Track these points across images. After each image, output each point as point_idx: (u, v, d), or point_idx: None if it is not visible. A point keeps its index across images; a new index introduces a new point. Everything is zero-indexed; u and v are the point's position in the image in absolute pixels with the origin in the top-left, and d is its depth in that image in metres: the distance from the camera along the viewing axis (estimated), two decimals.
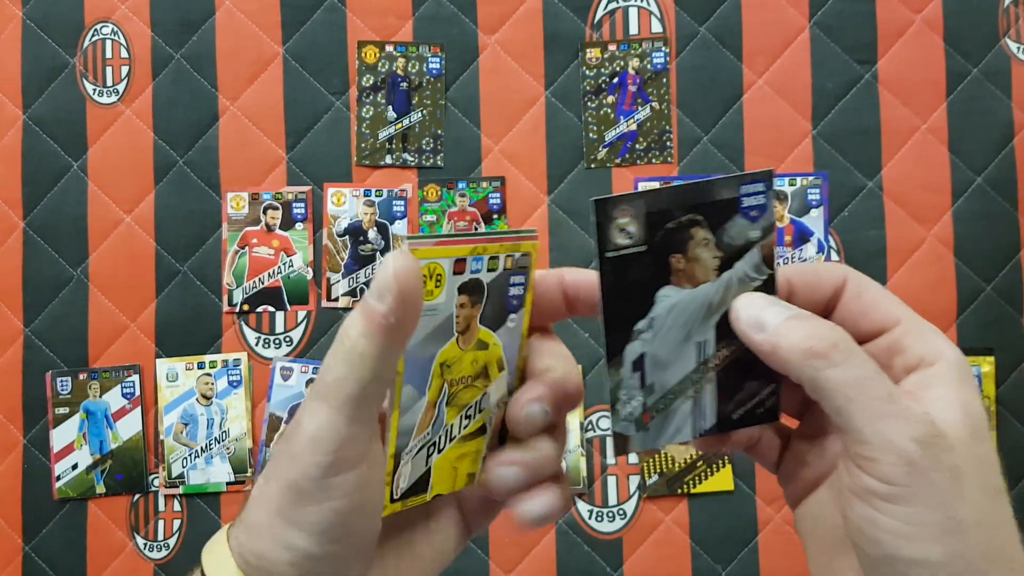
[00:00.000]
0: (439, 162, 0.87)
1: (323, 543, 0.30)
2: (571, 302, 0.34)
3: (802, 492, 0.35)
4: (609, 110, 0.87)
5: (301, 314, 0.87)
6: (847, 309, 0.33)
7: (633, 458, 0.85)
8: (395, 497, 0.33)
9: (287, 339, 0.87)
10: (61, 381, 0.87)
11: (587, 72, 0.87)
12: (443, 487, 0.35)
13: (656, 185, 0.86)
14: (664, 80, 0.87)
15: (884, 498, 0.29)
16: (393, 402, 0.31)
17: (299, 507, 0.30)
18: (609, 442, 0.85)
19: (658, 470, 0.84)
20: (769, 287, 0.33)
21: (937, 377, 0.30)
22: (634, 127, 0.87)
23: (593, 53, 0.87)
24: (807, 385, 0.30)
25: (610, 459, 0.85)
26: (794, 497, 0.35)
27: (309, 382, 0.86)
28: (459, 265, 0.31)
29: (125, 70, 0.88)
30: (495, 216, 0.87)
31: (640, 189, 0.33)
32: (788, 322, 0.31)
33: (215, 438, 0.86)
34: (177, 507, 0.86)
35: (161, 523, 0.86)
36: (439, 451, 0.34)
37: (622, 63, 0.87)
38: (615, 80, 0.87)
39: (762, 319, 0.31)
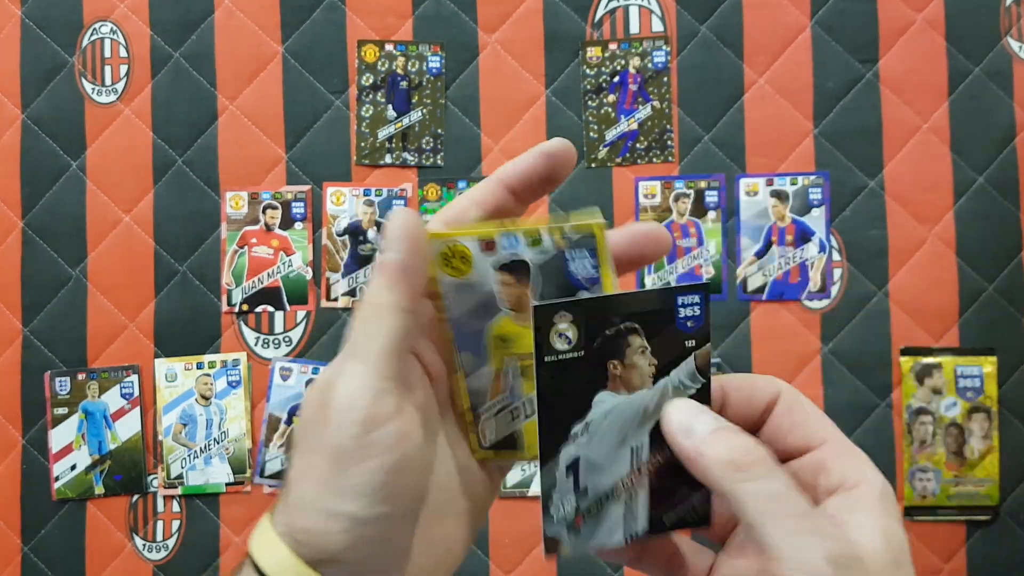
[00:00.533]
0: (439, 161, 0.87)
1: (371, 505, 0.30)
2: (518, 192, 0.36)
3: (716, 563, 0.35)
4: (610, 109, 0.86)
5: (300, 314, 0.87)
6: (777, 423, 0.34)
7: None
8: (484, 444, 0.35)
9: (286, 339, 0.86)
10: (60, 381, 0.86)
11: (588, 71, 0.87)
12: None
13: (657, 185, 0.86)
14: (665, 79, 0.86)
15: None
16: (453, 365, 0.35)
17: (343, 471, 0.30)
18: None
19: None
20: (703, 396, 0.33)
21: (859, 501, 0.31)
22: (635, 126, 0.86)
23: (594, 52, 0.87)
24: (726, 497, 0.31)
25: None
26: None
27: (309, 382, 0.86)
28: (488, 245, 0.33)
29: (124, 69, 0.88)
30: None
31: (577, 297, 0.33)
32: (715, 433, 0.32)
33: (214, 438, 0.86)
34: (176, 508, 0.86)
35: (160, 524, 0.86)
36: (525, 416, 0.35)
37: (623, 62, 0.87)
38: (616, 79, 0.87)
39: (691, 426, 0.32)
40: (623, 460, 0.34)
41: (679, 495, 0.34)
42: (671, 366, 0.33)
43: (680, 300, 0.33)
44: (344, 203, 0.87)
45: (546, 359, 0.32)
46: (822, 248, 0.85)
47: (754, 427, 0.34)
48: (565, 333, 0.32)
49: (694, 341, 0.33)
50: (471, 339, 0.35)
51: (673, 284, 0.33)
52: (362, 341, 0.31)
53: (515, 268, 0.34)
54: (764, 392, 0.34)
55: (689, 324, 0.33)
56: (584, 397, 0.33)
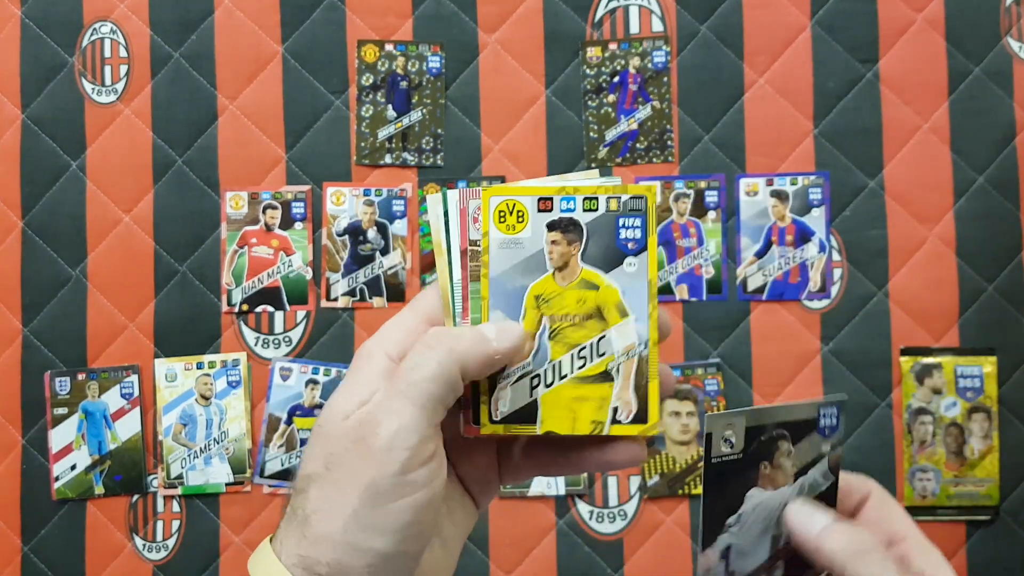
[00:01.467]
0: (439, 161, 0.87)
1: (399, 542, 0.31)
2: None
3: None
4: (610, 109, 0.86)
5: (300, 314, 0.87)
6: (868, 517, 0.39)
7: None
8: (494, 418, 0.36)
9: (286, 339, 0.86)
10: (60, 381, 0.86)
11: (588, 71, 0.87)
12: (559, 426, 0.36)
13: (654, 184, 0.86)
14: (665, 79, 0.86)
15: None
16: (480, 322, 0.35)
17: (377, 507, 0.31)
18: None
19: (659, 471, 0.84)
20: (833, 491, 0.39)
21: (912, 550, 0.36)
22: (635, 126, 0.86)
23: (594, 52, 0.87)
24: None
25: None
26: None
27: (309, 382, 0.86)
28: (545, 203, 0.35)
29: (124, 69, 0.88)
30: None
31: (742, 408, 0.37)
32: (832, 526, 0.36)
33: (214, 438, 0.86)
34: (176, 508, 0.86)
35: (160, 524, 0.86)
36: (546, 385, 0.36)
37: (623, 62, 0.87)
38: (616, 79, 0.87)
39: (811, 521, 0.37)
40: (765, 546, 0.38)
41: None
42: (809, 466, 0.38)
43: (823, 412, 0.38)
44: (344, 203, 0.87)
45: (713, 460, 0.36)
46: (822, 248, 0.85)
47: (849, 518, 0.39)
48: (729, 439, 0.36)
49: (829, 445, 0.39)
50: (507, 298, 0.35)
51: (820, 400, 0.39)
52: (420, 383, 0.32)
53: (568, 228, 0.35)
54: (858, 490, 0.39)
55: (827, 431, 0.39)
56: (739, 493, 0.37)
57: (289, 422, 0.86)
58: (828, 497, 0.39)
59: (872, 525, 0.38)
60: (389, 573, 0.32)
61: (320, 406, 0.85)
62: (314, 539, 0.31)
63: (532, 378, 0.36)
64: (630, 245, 0.36)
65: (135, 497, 0.86)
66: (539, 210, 0.35)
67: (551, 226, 0.35)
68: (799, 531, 0.37)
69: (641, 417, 0.36)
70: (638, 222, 0.36)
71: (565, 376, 0.36)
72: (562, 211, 0.35)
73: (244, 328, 0.87)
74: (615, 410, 0.36)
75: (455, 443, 0.37)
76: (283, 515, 0.34)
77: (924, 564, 0.36)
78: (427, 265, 0.87)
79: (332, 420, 0.33)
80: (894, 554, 0.36)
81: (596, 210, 0.35)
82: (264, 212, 0.87)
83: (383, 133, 0.87)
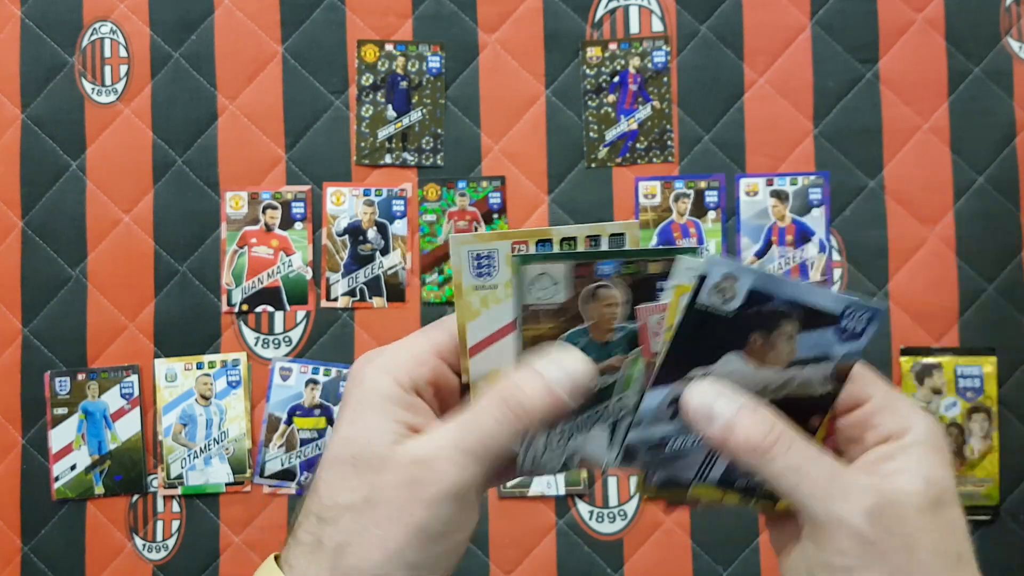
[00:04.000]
0: (439, 161, 0.87)
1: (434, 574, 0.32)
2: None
3: (781, 555, 0.36)
4: (610, 109, 0.86)
5: (300, 314, 0.87)
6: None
7: None
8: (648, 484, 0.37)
9: (286, 339, 0.86)
10: (60, 381, 0.86)
11: (588, 71, 0.87)
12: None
13: (657, 185, 0.86)
14: (665, 79, 0.86)
15: (841, 571, 0.30)
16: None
17: (423, 549, 0.31)
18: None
19: None
20: (827, 402, 0.34)
21: (900, 449, 0.32)
22: (635, 126, 0.86)
23: (594, 52, 0.87)
24: (758, 475, 0.32)
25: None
26: (778, 558, 0.37)
27: (309, 382, 0.85)
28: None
29: (124, 69, 0.88)
30: (495, 216, 0.86)
31: (754, 267, 0.34)
32: (735, 417, 0.32)
33: (214, 439, 0.86)
34: (176, 508, 0.86)
35: (160, 524, 0.86)
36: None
37: (623, 62, 0.87)
38: (616, 79, 0.87)
39: (712, 411, 0.32)
40: None
41: None
42: (809, 362, 0.34)
43: (848, 311, 0.33)
44: (344, 203, 0.87)
45: (697, 305, 0.33)
46: (822, 248, 0.85)
47: None
48: (725, 291, 0.33)
49: (845, 351, 0.34)
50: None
51: (852, 297, 0.33)
52: (488, 441, 0.31)
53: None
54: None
55: (845, 334, 0.33)
56: (715, 351, 0.33)
57: (289, 422, 0.86)
58: (820, 406, 0.34)
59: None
60: None
61: (320, 406, 0.85)
62: (346, 570, 0.31)
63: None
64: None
65: (135, 497, 0.86)
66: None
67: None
68: (698, 421, 0.33)
69: None
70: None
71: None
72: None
73: (244, 328, 0.87)
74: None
75: None
76: (293, 538, 0.33)
77: (892, 424, 0.32)
78: (427, 265, 0.87)
79: (371, 452, 0.31)
80: (855, 419, 0.33)
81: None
82: (264, 212, 0.87)
83: (383, 133, 0.87)
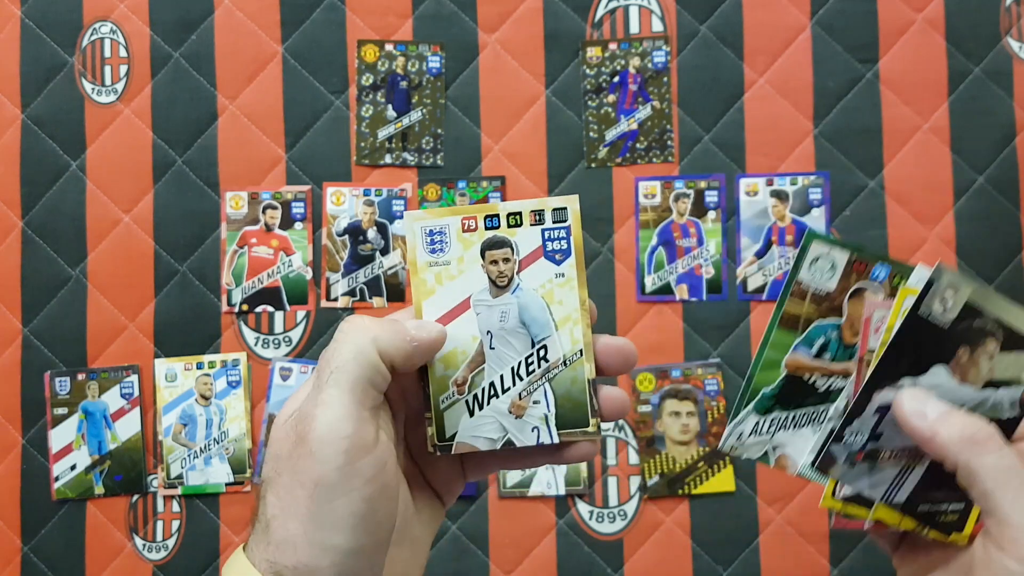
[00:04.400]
0: (439, 161, 0.87)
1: (358, 536, 0.31)
2: (603, 367, 0.37)
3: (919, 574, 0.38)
4: (610, 109, 0.86)
5: (300, 314, 0.87)
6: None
7: (634, 458, 0.84)
8: (837, 494, 0.38)
9: (286, 339, 0.86)
10: (60, 381, 0.86)
11: (588, 71, 0.87)
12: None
13: (657, 185, 0.86)
14: (665, 79, 0.86)
15: None
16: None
17: (329, 503, 0.31)
18: (699, 447, 0.85)
19: (659, 471, 0.84)
20: (1012, 424, 0.36)
21: None
22: (635, 126, 0.86)
23: (594, 52, 0.87)
24: (960, 469, 0.33)
25: (611, 460, 0.85)
26: None
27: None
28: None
29: (124, 69, 0.88)
30: None
31: (975, 281, 0.36)
32: (947, 414, 0.34)
33: (214, 438, 0.86)
34: (176, 508, 0.86)
35: (160, 524, 0.86)
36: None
37: (623, 62, 0.87)
38: (616, 79, 0.87)
39: (924, 409, 0.34)
40: None
41: (943, 494, 0.36)
42: (1002, 384, 0.36)
43: None
44: (344, 203, 0.87)
45: (920, 313, 0.35)
46: None
47: None
48: (947, 301, 0.35)
49: None
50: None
51: None
52: (343, 369, 0.32)
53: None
54: None
55: None
56: (926, 361, 0.35)
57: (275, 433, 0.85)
58: (1005, 430, 0.35)
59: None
60: (356, 570, 0.32)
61: None
62: (277, 544, 0.31)
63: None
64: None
65: (135, 497, 0.86)
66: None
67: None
68: (911, 418, 0.34)
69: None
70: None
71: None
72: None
73: (244, 328, 0.87)
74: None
75: (420, 450, 0.38)
76: (251, 522, 0.34)
77: None
78: None
79: (276, 425, 0.33)
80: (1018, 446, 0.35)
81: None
82: (264, 212, 0.87)
83: (383, 133, 0.87)
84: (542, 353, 0.36)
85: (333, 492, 0.31)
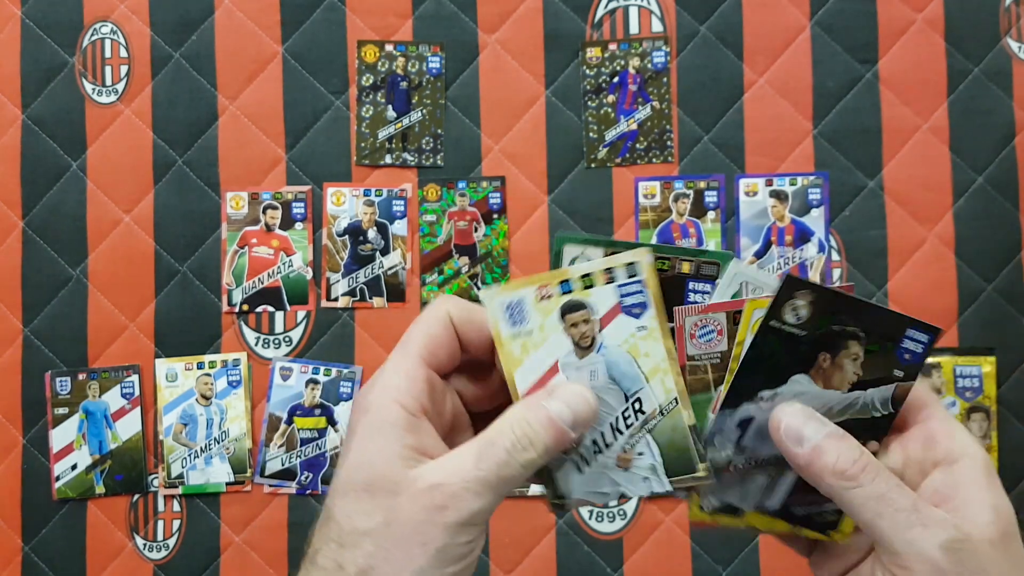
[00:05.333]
0: (439, 162, 0.87)
1: None
2: (464, 343, 0.37)
3: None
4: (609, 109, 0.87)
5: (301, 314, 0.87)
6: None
7: None
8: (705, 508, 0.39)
9: (287, 339, 0.86)
10: (60, 381, 0.87)
11: (587, 71, 0.87)
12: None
13: (656, 185, 0.86)
14: (665, 79, 0.87)
15: None
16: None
17: (443, 567, 0.32)
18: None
19: None
20: (885, 424, 0.35)
21: (963, 476, 0.33)
22: (634, 126, 0.86)
23: (593, 52, 0.87)
24: (836, 500, 0.33)
25: None
26: None
27: (309, 382, 0.86)
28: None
29: (124, 69, 0.88)
30: (495, 216, 0.86)
31: (826, 285, 0.36)
32: (824, 441, 0.33)
33: (214, 438, 0.86)
34: (176, 507, 0.86)
35: (161, 523, 0.86)
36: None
37: (622, 62, 0.87)
38: (615, 79, 0.87)
39: (801, 433, 0.34)
40: None
41: (817, 497, 0.36)
42: (871, 384, 0.35)
43: (910, 332, 0.35)
44: (344, 203, 0.87)
45: (771, 323, 0.35)
46: (821, 248, 0.85)
47: None
48: (800, 311, 0.34)
49: (903, 373, 0.35)
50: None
51: (914, 319, 0.35)
52: (506, 478, 0.33)
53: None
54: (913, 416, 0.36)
55: (907, 356, 0.35)
56: (785, 371, 0.35)
57: (289, 422, 0.86)
58: (878, 428, 0.35)
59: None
60: None
61: (321, 406, 0.85)
62: None
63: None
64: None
65: (136, 497, 0.86)
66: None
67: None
68: (786, 442, 0.34)
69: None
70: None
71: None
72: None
73: (244, 328, 0.87)
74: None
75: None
76: (312, 564, 0.33)
77: (948, 443, 0.34)
78: (427, 265, 0.87)
79: (385, 477, 0.33)
80: (918, 434, 0.35)
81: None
82: (264, 212, 0.87)
83: (383, 133, 0.87)
84: (637, 406, 0.37)
85: (451, 559, 0.32)
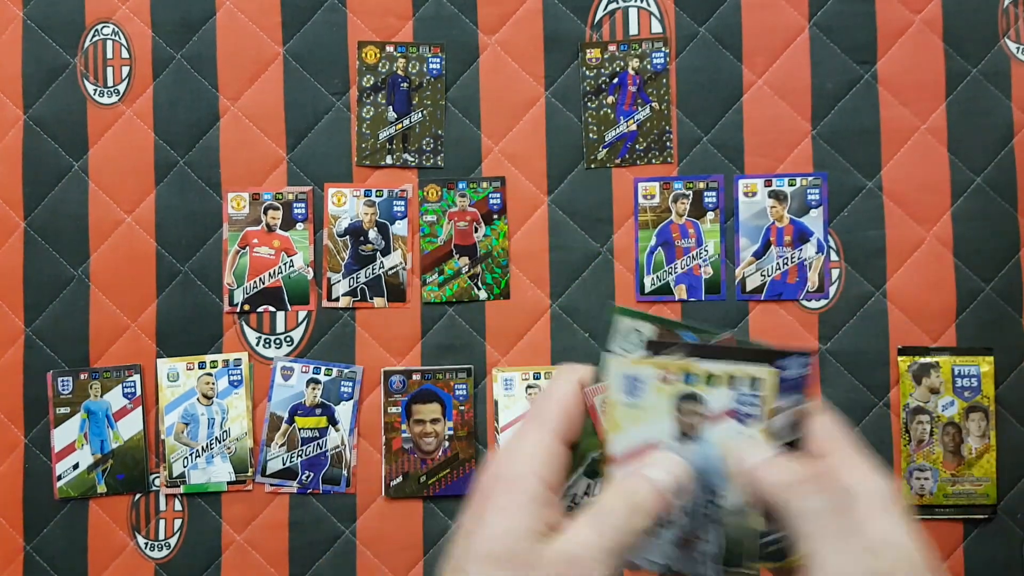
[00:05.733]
0: (439, 162, 0.87)
1: None
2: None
3: None
4: (609, 110, 0.87)
5: (302, 314, 0.87)
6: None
7: None
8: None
9: (288, 339, 0.87)
10: (62, 381, 0.87)
11: (587, 72, 0.87)
12: None
13: (656, 186, 0.86)
14: (664, 80, 0.87)
15: None
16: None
17: None
18: None
19: None
20: (799, 448, 0.38)
21: (873, 508, 0.35)
22: (634, 127, 0.87)
23: (593, 53, 0.87)
24: (780, 512, 0.36)
25: None
26: None
27: (310, 382, 0.86)
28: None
29: (126, 70, 0.88)
30: (495, 216, 0.87)
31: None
32: (771, 459, 0.37)
33: (216, 438, 0.86)
34: (178, 506, 0.86)
35: (162, 522, 0.86)
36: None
37: (622, 63, 0.87)
38: (615, 80, 0.87)
39: (747, 455, 0.38)
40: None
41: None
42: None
43: (779, 363, 0.38)
44: (345, 204, 0.87)
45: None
46: (820, 248, 0.85)
47: None
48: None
49: (794, 399, 0.38)
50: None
51: (778, 348, 0.38)
52: (626, 548, 0.35)
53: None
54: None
55: (791, 383, 0.38)
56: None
57: (291, 421, 0.86)
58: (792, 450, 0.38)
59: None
60: None
61: (321, 406, 0.86)
62: None
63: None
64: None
65: (137, 496, 0.86)
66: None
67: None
68: (733, 466, 0.38)
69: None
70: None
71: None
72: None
73: (246, 328, 0.87)
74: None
75: None
76: None
77: (852, 476, 0.36)
78: (427, 265, 0.87)
79: (524, 550, 0.35)
80: (817, 470, 0.37)
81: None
82: (265, 213, 0.87)
83: (384, 134, 0.88)
84: (719, 500, 0.39)
85: None
